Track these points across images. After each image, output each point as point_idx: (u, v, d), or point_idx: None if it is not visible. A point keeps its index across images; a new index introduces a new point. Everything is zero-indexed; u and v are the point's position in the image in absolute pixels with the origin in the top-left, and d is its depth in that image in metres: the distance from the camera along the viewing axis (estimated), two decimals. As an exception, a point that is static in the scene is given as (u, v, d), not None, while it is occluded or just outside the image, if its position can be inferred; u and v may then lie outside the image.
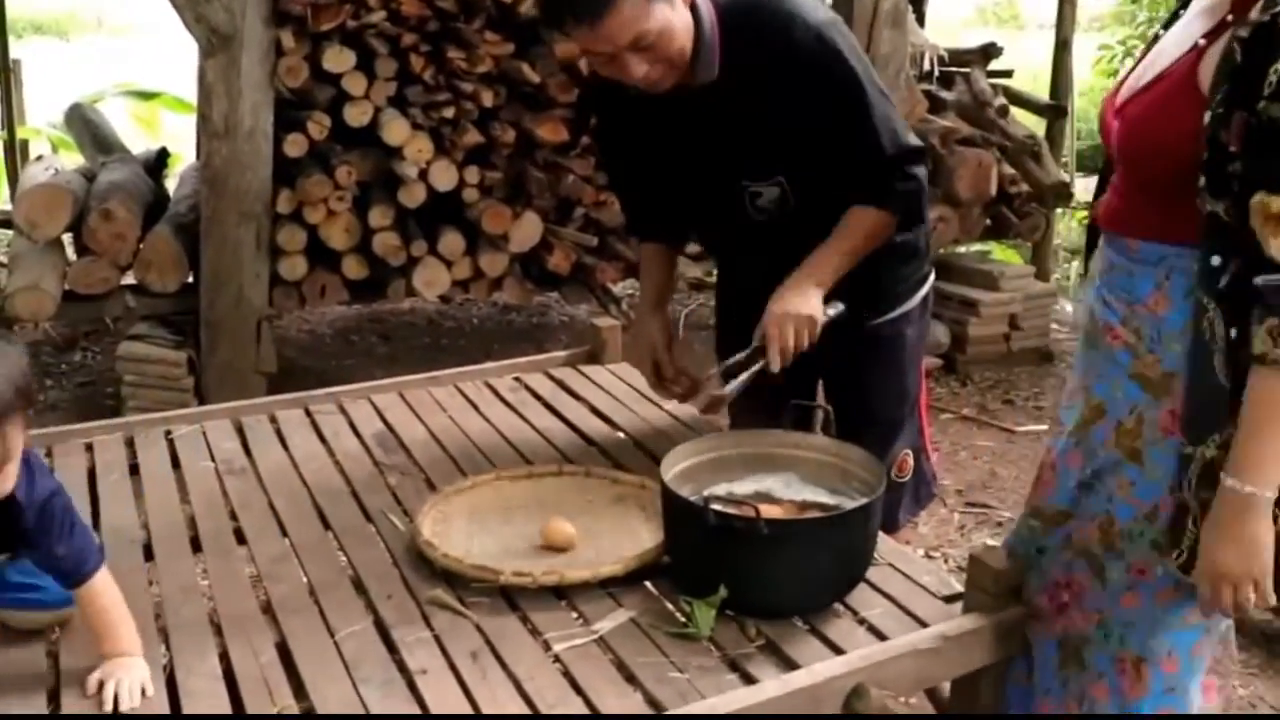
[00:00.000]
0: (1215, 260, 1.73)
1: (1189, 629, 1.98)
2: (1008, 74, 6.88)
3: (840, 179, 2.43)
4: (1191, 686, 2.03)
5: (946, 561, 3.90)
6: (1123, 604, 1.99)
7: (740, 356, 2.39)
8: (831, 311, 2.42)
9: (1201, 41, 1.79)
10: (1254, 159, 1.65)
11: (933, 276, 2.71)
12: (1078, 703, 2.06)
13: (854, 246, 2.43)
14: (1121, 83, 1.99)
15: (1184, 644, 1.99)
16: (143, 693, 1.84)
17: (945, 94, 6.19)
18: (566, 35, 2.27)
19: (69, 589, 1.91)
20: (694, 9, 2.30)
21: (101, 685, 1.83)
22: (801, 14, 2.32)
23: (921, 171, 2.47)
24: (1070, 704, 2.07)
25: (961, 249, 6.42)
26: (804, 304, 2.36)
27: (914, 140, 2.47)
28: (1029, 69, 9.74)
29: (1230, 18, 1.74)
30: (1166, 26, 1.98)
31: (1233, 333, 1.71)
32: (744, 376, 2.37)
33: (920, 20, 6.60)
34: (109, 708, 1.80)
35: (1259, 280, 1.65)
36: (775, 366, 2.35)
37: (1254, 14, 1.66)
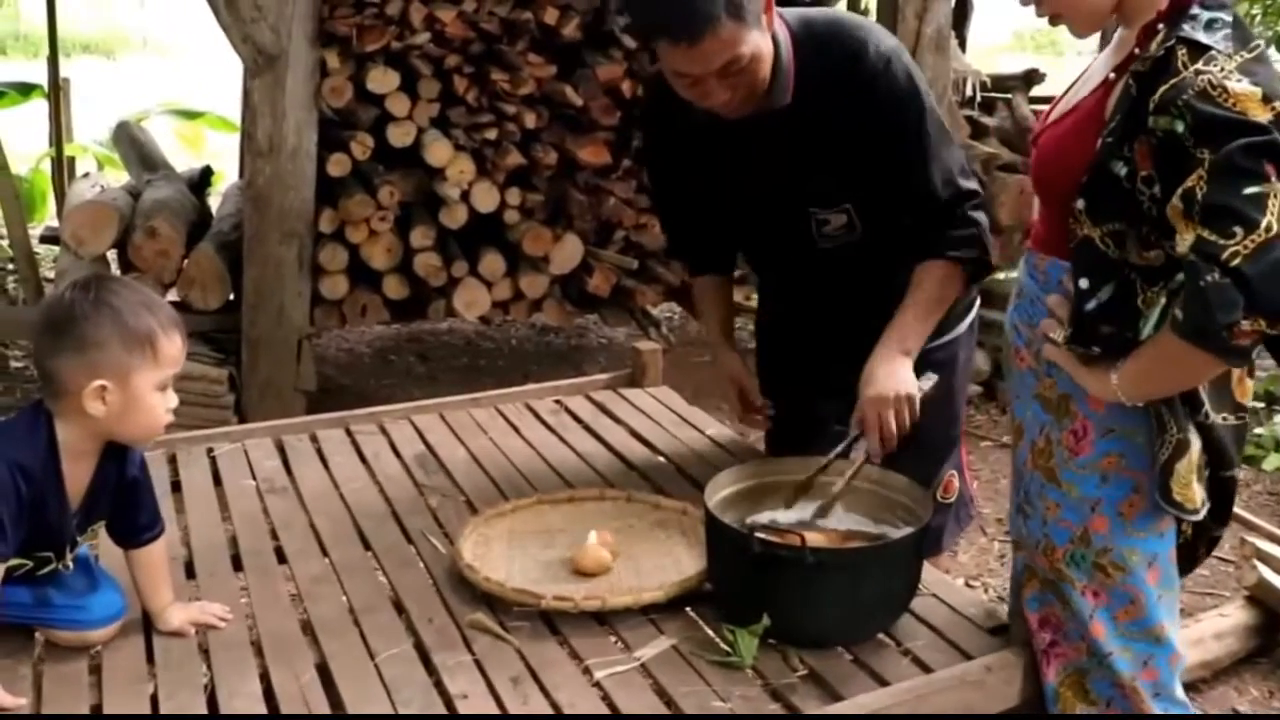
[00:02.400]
0: (1084, 283, 1.81)
1: (1158, 643, 1.99)
2: (1050, 100, 6.83)
3: (902, 212, 2.40)
4: (1175, 689, 2.03)
5: (986, 591, 3.86)
6: (1093, 633, 1.99)
7: (839, 449, 2.29)
8: (926, 385, 2.35)
9: (1111, 75, 1.84)
10: (1167, 173, 1.68)
11: (979, 301, 2.68)
12: None
13: (931, 304, 2.37)
14: (1050, 112, 2.05)
15: (1163, 655, 2.00)
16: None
17: (987, 119, 6.15)
18: (657, 55, 2.23)
19: (138, 546, 2.06)
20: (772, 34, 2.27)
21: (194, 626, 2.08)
22: (874, 41, 2.29)
23: (979, 215, 2.40)
24: None
25: (1002, 275, 6.36)
26: (897, 382, 2.28)
27: (969, 183, 2.40)
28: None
29: (1137, 51, 1.79)
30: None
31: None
32: (849, 475, 2.26)
33: (962, 45, 6.58)
34: (218, 625, 2.09)
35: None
36: (878, 457, 2.28)
37: (1151, 48, 1.72)
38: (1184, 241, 1.62)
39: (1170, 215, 1.65)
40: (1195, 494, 1.88)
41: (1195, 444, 1.86)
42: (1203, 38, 1.68)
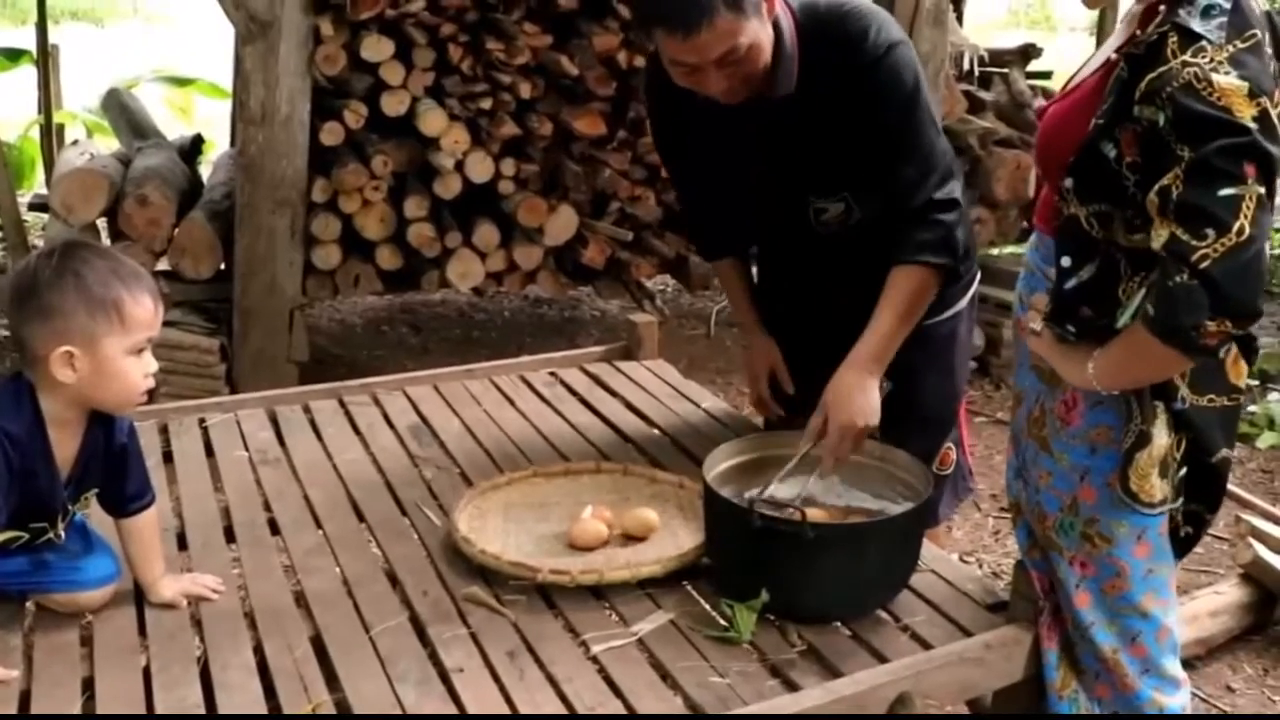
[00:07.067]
0: (1066, 261, 1.82)
1: (1144, 618, 1.99)
2: (1046, 75, 6.80)
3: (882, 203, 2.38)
4: (1166, 664, 2.02)
5: (981, 566, 3.86)
6: (1077, 604, 2.00)
7: (790, 466, 2.22)
8: (881, 396, 2.31)
9: (1114, 55, 1.83)
10: (1149, 162, 1.69)
11: (979, 276, 2.66)
12: (1091, 706, 2.06)
13: (905, 315, 2.31)
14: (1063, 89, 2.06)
15: (1150, 630, 1.99)
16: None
17: (984, 94, 6.12)
18: (654, 43, 2.22)
19: (128, 515, 2.04)
20: (774, 21, 2.24)
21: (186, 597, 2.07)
22: (877, 26, 2.27)
23: (950, 219, 2.33)
24: (1086, 709, 2.06)
25: (996, 251, 6.35)
26: (865, 412, 2.24)
27: (947, 191, 2.33)
28: (1063, 71, 9.64)
29: (1139, 33, 1.78)
30: None
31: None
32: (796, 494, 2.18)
33: (959, 20, 6.54)
34: (210, 598, 2.08)
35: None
36: (826, 473, 2.25)
37: (1149, 30, 1.71)
38: (1159, 237, 1.64)
39: (1148, 208, 1.66)
40: (1154, 487, 1.88)
41: (1160, 438, 1.86)
42: (1196, 25, 1.66)
